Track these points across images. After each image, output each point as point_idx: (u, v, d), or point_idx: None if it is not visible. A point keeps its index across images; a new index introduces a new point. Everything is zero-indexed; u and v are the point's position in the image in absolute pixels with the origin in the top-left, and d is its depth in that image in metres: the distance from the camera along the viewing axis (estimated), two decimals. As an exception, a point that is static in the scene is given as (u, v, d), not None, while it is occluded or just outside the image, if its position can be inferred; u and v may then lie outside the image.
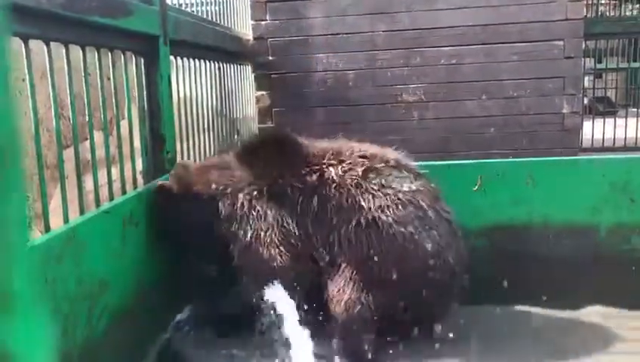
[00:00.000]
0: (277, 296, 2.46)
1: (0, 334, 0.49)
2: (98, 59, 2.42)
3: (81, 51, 2.25)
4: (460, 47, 4.47)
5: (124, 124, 2.68)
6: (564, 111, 4.48)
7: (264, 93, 4.64)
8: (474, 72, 4.50)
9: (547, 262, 2.76)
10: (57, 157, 2.07)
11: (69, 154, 2.30)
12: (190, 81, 3.86)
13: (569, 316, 2.70)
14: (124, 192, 2.59)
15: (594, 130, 6.96)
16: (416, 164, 2.55)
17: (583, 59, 4.83)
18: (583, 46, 4.81)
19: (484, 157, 3.69)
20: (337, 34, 4.56)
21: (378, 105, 4.60)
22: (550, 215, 2.83)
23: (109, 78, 2.55)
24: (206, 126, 4.23)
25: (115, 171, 2.54)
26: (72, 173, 2.19)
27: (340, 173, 2.41)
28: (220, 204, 2.50)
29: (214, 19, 4.33)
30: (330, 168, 2.42)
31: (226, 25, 4.60)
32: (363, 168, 2.42)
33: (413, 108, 4.54)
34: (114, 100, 2.58)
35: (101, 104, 2.43)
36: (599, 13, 8.75)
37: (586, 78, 8.20)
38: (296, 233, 2.39)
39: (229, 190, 2.50)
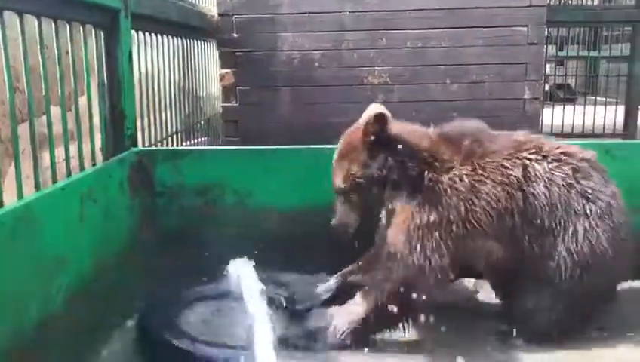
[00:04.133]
0: (242, 270, 2.47)
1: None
2: (55, 32, 2.34)
3: (36, 22, 2.18)
4: (426, 30, 4.48)
5: (82, 99, 2.61)
6: (526, 97, 4.55)
7: (228, 71, 4.57)
8: (439, 55, 4.52)
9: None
10: (11, 132, 2.00)
11: (24, 129, 2.24)
12: (152, 57, 3.79)
13: None
14: (82, 169, 2.54)
15: (554, 116, 7.11)
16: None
17: (545, 46, 4.90)
18: (546, 33, 4.88)
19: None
20: (304, 13, 4.51)
21: (344, 86, 4.58)
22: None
23: (67, 52, 2.48)
24: (168, 103, 4.17)
25: (73, 147, 2.48)
26: (28, 149, 2.13)
27: (548, 169, 2.26)
28: (424, 173, 2.26)
29: (178, -6, 4.23)
30: (535, 163, 2.27)
31: (190, 0, 4.51)
32: (571, 167, 2.29)
33: (379, 90, 4.55)
34: (72, 75, 2.50)
35: (59, 78, 2.36)
36: (562, 1, 8.90)
37: (548, 65, 8.35)
38: (488, 228, 2.23)
39: (436, 164, 2.28)
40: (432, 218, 2.22)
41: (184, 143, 4.63)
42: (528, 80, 4.53)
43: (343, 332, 2.29)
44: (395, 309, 2.21)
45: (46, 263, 1.92)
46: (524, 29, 4.44)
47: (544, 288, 2.28)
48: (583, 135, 6.92)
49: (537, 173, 2.25)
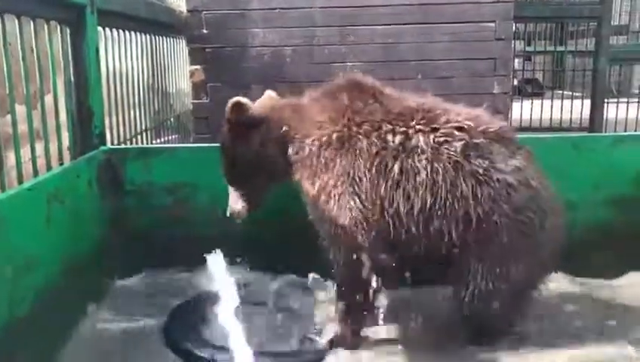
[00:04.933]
0: (215, 268, 2.46)
1: None
2: (19, 28, 2.29)
3: (-1, 19, 2.13)
4: (396, 25, 4.50)
5: (49, 97, 2.56)
6: (495, 91, 4.61)
7: (198, 67, 4.53)
8: (409, 51, 4.54)
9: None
10: (-26, 132, 1.96)
11: (-12, 128, 2.18)
12: (120, 54, 3.73)
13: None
14: (49, 168, 2.49)
15: (522, 110, 7.22)
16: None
17: (513, 41, 4.96)
18: (514, 28, 4.95)
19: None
20: (274, 9, 4.49)
21: (315, 82, 4.56)
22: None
23: (31, 49, 2.43)
24: (137, 100, 4.11)
25: (39, 147, 2.43)
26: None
27: (432, 143, 2.09)
28: (288, 148, 2.25)
29: (146, -10, 4.17)
30: (419, 135, 2.10)
31: (158, -4, 4.45)
32: (462, 143, 2.09)
33: (350, 86, 4.55)
34: (38, 72, 2.45)
35: (23, 76, 2.31)
36: (529, -4, 9.02)
37: (516, 60, 8.47)
38: (368, 193, 2.11)
39: (297, 135, 2.23)
40: (316, 185, 2.17)
41: (154, 141, 4.58)
42: (497, 75, 4.58)
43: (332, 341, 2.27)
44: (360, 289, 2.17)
45: (12, 266, 1.88)
46: (492, 24, 4.49)
47: (455, 283, 2.18)
48: (551, 129, 7.04)
49: (420, 146, 2.09)
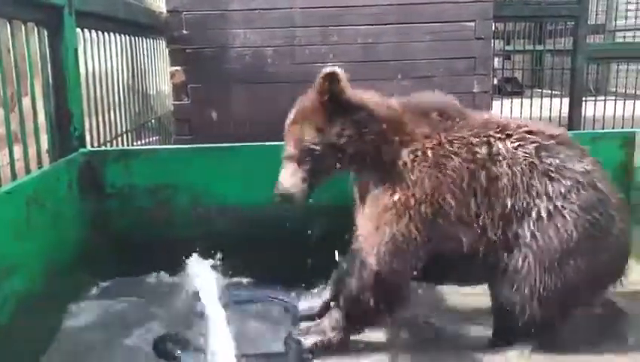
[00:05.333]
0: (197, 270, 2.44)
1: None
2: (-5, 30, 2.27)
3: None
4: (376, 26, 4.52)
5: (26, 100, 2.53)
6: (475, 90, 4.64)
7: (179, 68, 4.50)
8: (389, 51, 4.56)
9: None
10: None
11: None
12: (99, 55, 3.70)
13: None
14: (28, 172, 2.46)
15: (502, 109, 7.28)
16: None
17: (492, 40, 5.01)
18: (493, 28, 4.99)
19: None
20: (255, 9, 4.48)
21: (297, 82, 4.57)
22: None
23: (8, 51, 2.40)
24: (117, 102, 4.08)
25: (18, 150, 2.40)
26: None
27: (511, 148, 2.13)
28: (382, 148, 2.13)
29: (125, -9, 4.14)
30: (499, 142, 2.14)
31: (137, -3, 4.43)
32: (534, 145, 2.15)
33: (332, 86, 4.55)
34: (15, 74, 2.42)
35: (0, 78, 2.28)
36: (508, -4, 9.10)
37: (496, 59, 8.53)
38: (454, 209, 2.09)
39: (396, 138, 2.15)
40: (396, 197, 2.08)
41: (134, 143, 4.54)
42: (477, 74, 4.62)
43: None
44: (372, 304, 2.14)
45: (-9, 270, 1.86)
46: (472, 24, 4.53)
47: (514, 282, 2.13)
48: (530, 127, 7.09)
49: (501, 152, 2.13)
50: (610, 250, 2.18)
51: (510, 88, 9.18)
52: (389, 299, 2.17)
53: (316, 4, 4.49)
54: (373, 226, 2.13)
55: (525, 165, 2.12)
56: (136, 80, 4.62)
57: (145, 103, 4.90)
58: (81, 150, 2.78)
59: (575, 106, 6.41)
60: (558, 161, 2.13)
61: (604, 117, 6.91)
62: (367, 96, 2.19)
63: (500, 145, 2.14)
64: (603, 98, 7.18)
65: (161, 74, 5.45)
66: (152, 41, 5.11)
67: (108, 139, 3.81)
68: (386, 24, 4.51)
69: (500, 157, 2.12)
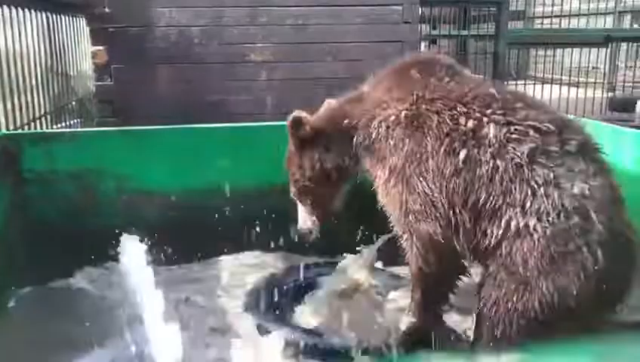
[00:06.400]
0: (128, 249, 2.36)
1: None
2: None
3: None
4: (306, 7, 4.49)
5: None
6: (403, 74, 4.71)
7: (101, 48, 4.31)
8: (320, 33, 4.55)
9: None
10: None
11: None
12: (13, 34, 3.50)
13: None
14: None
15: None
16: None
17: (419, 24, 5.09)
18: (420, 12, 5.07)
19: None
20: (180, -14, 4.35)
21: (225, 63, 4.49)
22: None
23: None
24: (34, 83, 3.88)
25: None
26: None
27: (502, 138, 1.85)
28: (353, 140, 2.16)
29: (40, -36, 3.92)
30: (492, 125, 1.87)
31: (54, -29, 4.20)
32: (531, 146, 1.83)
33: (262, 67, 4.50)
34: None
35: None
36: (434, -19, 9.27)
37: (423, 44, 8.69)
38: (433, 179, 1.92)
39: (360, 122, 2.13)
40: (386, 171, 2.04)
41: (54, 126, 4.34)
42: (405, 58, 4.69)
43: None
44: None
45: None
46: (399, 7, 4.59)
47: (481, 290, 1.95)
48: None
49: (489, 138, 1.87)
50: (582, 294, 1.77)
51: (436, 72, 9.39)
52: (434, 264, 2.02)
53: (245, -16, 4.41)
54: (388, 203, 2.10)
55: (511, 165, 1.83)
56: (55, 60, 4.40)
57: (65, 84, 4.68)
58: (-5, 133, 2.62)
59: (497, 90, 6.65)
60: (551, 175, 1.80)
61: (524, 100, 7.22)
62: (329, 109, 2.35)
63: (492, 130, 1.87)
64: (523, 82, 7.49)
65: (82, 53, 5.22)
66: (71, 18, 4.87)
67: (25, 122, 3.62)
68: (316, 5, 4.50)
69: (486, 142, 1.86)
